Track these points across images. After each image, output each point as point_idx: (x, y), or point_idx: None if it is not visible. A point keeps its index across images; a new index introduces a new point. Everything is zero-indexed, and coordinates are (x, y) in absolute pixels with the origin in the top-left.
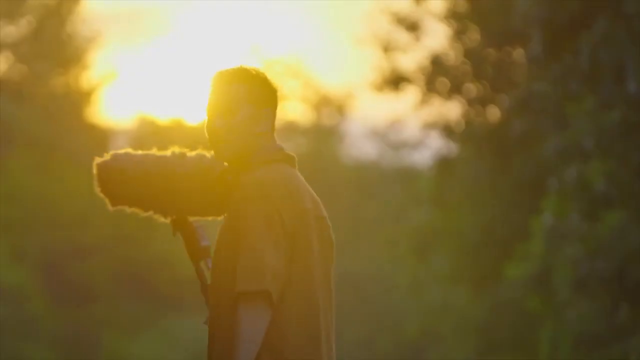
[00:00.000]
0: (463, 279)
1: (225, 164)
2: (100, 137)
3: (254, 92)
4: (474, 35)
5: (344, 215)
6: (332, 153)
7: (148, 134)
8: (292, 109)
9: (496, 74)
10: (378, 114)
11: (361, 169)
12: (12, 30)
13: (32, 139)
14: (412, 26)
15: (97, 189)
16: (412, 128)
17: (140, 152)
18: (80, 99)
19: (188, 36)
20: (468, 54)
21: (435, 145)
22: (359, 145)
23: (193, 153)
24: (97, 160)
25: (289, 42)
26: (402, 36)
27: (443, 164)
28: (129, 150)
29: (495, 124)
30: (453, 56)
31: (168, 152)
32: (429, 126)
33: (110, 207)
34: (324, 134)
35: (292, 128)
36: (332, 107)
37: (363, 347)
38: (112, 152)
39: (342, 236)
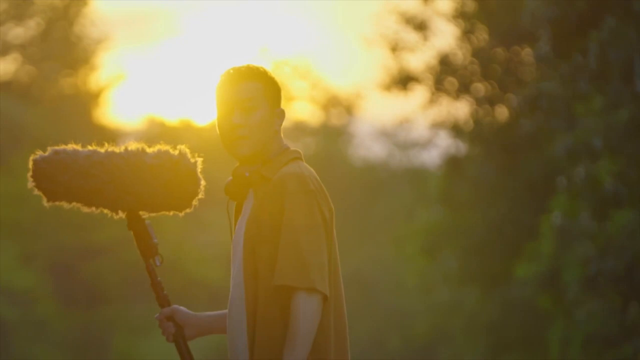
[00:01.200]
0: (472, 278)
1: (199, 160)
2: (109, 139)
3: (268, 90)
4: (482, 35)
5: (353, 215)
6: (341, 153)
7: (157, 134)
8: (301, 110)
9: (504, 73)
10: (386, 114)
11: (370, 168)
12: (20, 32)
13: (40, 140)
14: (420, 26)
15: (31, 184)
16: (420, 128)
17: (88, 147)
18: (88, 100)
19: (196, 37)
20: (476, 53)
21: (444, 144)
22: (368, 145)
23: (154, 148)
24: (34, 156)
25: (297, 43)
26: (411, 36)
27: (452, 163)
28: (74, 145)
29: (503, 124)
30: (461, 56)
31: (122, 148)
32: (438, 126)
33: (46, 203)
34: (333, 134)
35: (301, 128)
36: (340, 108)
37: (372, 346)
38: (51, 148)
39: (351, 235)
